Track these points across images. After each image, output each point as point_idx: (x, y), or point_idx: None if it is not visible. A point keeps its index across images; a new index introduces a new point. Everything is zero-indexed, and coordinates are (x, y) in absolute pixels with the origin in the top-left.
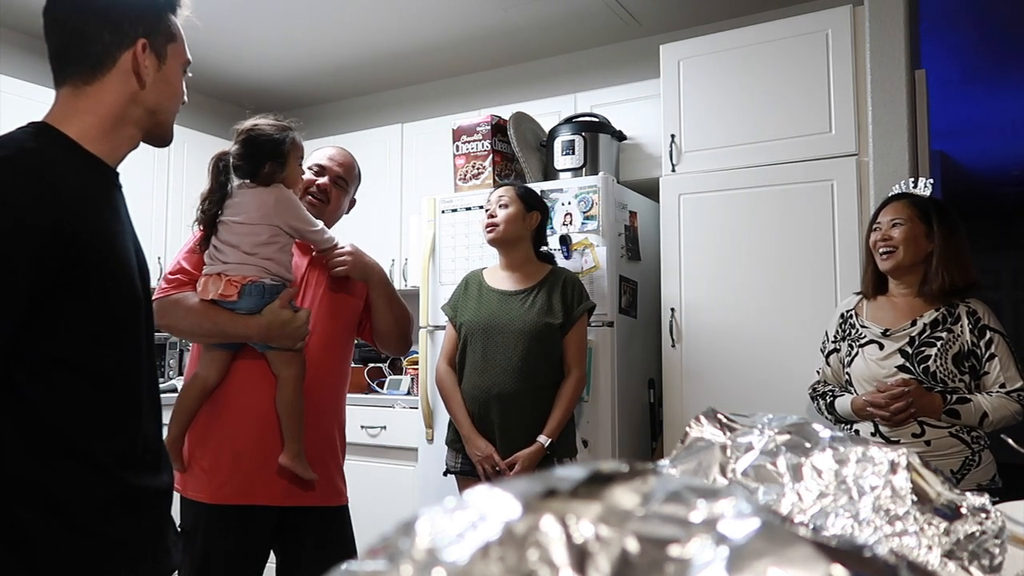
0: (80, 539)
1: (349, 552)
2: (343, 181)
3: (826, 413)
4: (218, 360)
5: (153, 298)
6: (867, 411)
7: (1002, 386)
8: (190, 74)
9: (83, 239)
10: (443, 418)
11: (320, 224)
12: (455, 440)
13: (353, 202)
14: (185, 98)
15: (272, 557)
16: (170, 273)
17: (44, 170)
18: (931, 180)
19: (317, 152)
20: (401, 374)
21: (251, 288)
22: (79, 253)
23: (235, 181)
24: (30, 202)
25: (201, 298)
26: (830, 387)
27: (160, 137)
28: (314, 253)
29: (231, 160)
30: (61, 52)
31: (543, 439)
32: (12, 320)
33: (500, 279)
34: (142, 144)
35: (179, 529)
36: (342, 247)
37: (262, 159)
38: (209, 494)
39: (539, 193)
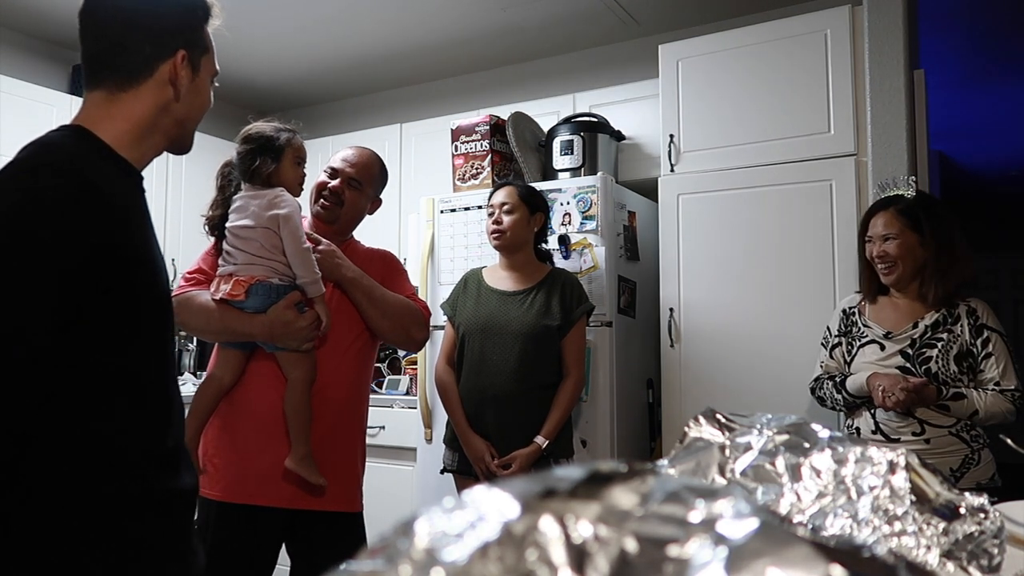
0: (112, 541)
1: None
2: (357, 182)
3: (835, 393)
4: (232, 360)
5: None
6: (877, 387)
7: (997, 384)
8: (217, 84)
9: (127, 247)
10: (442, 418)
11: (307, 245)
12: (453, 439)
13: (379, 202)
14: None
15: (286, 561)
16: (188, 273)
17: (97, 179)
18: (914, 178)
19: (335, 155)
20: (400, 374)
21: (258, 288)
22: (123, 261)
23: (241, 187)
24: (83, 211)
25: (212, 297)
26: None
27: (183, 146)
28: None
29: (234, 164)
30: (98, 57)
31: (540, 440)
32: (55, 325)
33: (499, 279)
34: None
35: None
36: (323, 247)
37: (255, 156)
38: (219, 491)
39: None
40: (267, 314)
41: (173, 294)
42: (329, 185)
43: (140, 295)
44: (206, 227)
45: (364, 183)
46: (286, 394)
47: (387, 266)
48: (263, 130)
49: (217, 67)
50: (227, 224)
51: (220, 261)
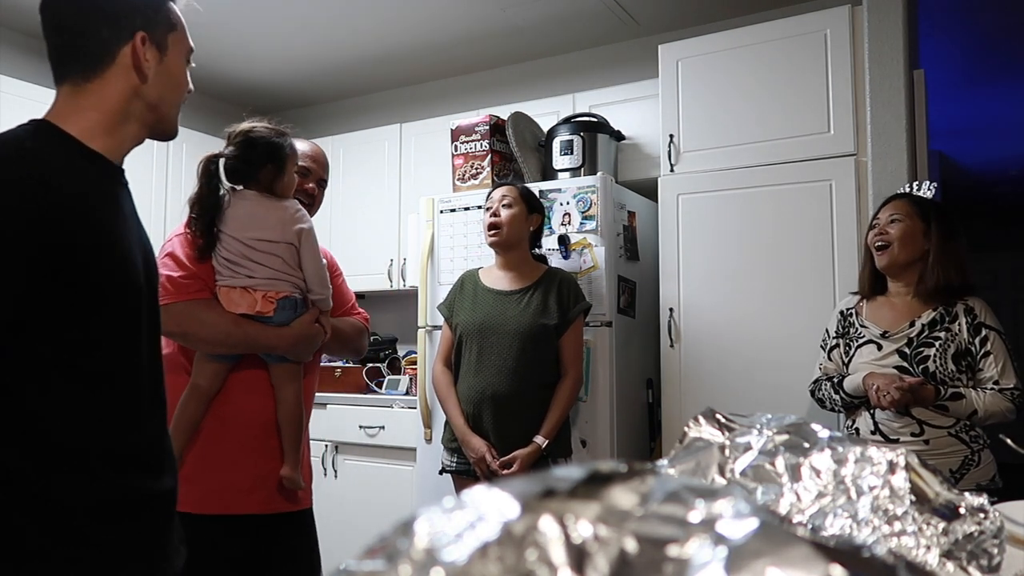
0: (72, 543)
1: (316, 551)
2: (324, 182)
3: (833, 394)
4: (221, 372)
5: (164, 302)
6: (871, 386)
7: (996, 383)
8: (194, 64)
9: (81, 240)
10: (441, 418)
11: (325, 261)
12: (452, 439)
13: None
14: (191, 87)
15: None
16: (181, 278)
17: (44, 171)
18: (935, 184)
19: None
20: (400, 374)
21: (285, 303)
22: (76, 254)
23: (227, 185)
24: (29, 206)
25: (229, 310)
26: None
27: (164, 131)
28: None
29: (225, 162)
30: (60, 50)
31: (540, 440)
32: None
33: (496, 279)
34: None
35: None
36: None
37: (261, 161)
38: (192, 504)
39: (538, 193)
40: (293, 328)
41: (168, 300)
42: (306, 187)
43: (98, 283)
44: (195, 227)
45: (327, 180)
46: (283, 406)
47: (330, 272)
48: (266, 135)
49: (191, 44)
50: (231, 232)
51: (220, 268)
